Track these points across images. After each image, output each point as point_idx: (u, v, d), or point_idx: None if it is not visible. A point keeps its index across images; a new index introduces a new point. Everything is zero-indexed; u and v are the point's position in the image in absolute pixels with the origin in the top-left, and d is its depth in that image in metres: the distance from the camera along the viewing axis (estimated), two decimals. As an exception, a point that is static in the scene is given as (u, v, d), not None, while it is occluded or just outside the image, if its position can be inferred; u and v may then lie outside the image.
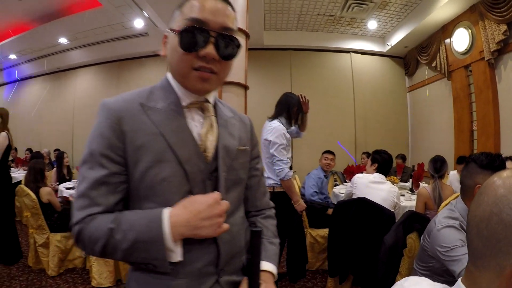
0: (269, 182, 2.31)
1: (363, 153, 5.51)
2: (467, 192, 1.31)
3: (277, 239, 0.84)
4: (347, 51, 6.44)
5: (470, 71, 4.67)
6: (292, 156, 2.46)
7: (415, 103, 6.42)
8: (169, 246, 0.58)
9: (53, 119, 7.68)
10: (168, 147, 0.63)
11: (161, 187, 0.63)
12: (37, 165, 2.96)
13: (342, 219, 2.19)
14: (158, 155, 0.63)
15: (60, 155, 4.62)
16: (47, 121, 7.76)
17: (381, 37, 6.37)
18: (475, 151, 4.53)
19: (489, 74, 4.20)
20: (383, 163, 2.52)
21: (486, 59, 4.16)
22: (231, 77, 1.98)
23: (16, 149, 6.34)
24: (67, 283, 2.63)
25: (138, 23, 5.42)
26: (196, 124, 0.70)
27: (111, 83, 7.10)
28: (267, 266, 0.74)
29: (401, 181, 4.07)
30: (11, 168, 4.86)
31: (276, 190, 2.31)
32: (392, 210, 2.20)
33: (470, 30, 4.49)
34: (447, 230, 1.25)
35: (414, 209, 2.44)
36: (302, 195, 3.16)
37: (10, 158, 3.68)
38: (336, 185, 4.30)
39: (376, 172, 2.52)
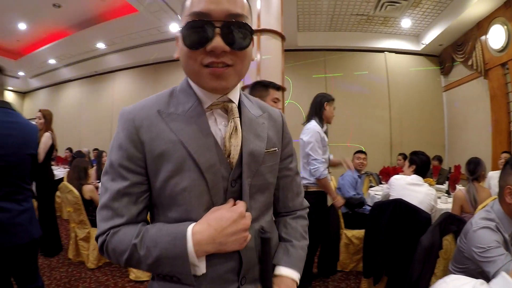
0: (303, 182, 2.32)
1: (399, 154, 5.33)
2: (500, 193, 1.33)
3: (305, 240, 0.80)
4: (381, 50, 6.28)
5: (507, 69, 4.42)
6: (329, 158, 2.45)
7: (451, 102, 6.14)
8: (194, 262, 0.57)
9: (91, 120, 8.14)
10: (188, 155, 0.60)
11: (182, 197, 0.61)
12: (81, 164, 3.14)
13: (379, 220, 2.18)
14: (177, 164, 0.61)
15: (99, 154, 4.87)
16: (86, 121, 8.25)
17: (415, 36, 6.14)
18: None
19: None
20: (421, 164, 2.46)
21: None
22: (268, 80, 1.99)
23: (56, 149, 6.71)
24: (105, 276, 2.73)
25: (174, 27, 5.62)
26: (220, 127, 0.66)
27: (147, 85, 7.42)
28: (286, 271, 0.72)
29: (437, 183, 3.90)
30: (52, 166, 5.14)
31: (309, 190, 2.32)
32: (429, 213, 2.14)
33: (506, 26, 4.26)
34: (483, 231, 1.27)
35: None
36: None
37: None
38: (371, 186, 4.23)
39: (414, 173, 2.46)
